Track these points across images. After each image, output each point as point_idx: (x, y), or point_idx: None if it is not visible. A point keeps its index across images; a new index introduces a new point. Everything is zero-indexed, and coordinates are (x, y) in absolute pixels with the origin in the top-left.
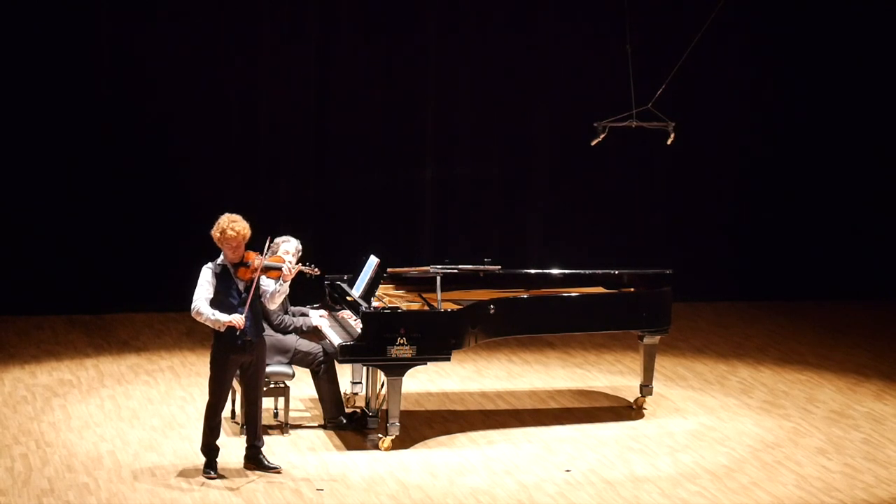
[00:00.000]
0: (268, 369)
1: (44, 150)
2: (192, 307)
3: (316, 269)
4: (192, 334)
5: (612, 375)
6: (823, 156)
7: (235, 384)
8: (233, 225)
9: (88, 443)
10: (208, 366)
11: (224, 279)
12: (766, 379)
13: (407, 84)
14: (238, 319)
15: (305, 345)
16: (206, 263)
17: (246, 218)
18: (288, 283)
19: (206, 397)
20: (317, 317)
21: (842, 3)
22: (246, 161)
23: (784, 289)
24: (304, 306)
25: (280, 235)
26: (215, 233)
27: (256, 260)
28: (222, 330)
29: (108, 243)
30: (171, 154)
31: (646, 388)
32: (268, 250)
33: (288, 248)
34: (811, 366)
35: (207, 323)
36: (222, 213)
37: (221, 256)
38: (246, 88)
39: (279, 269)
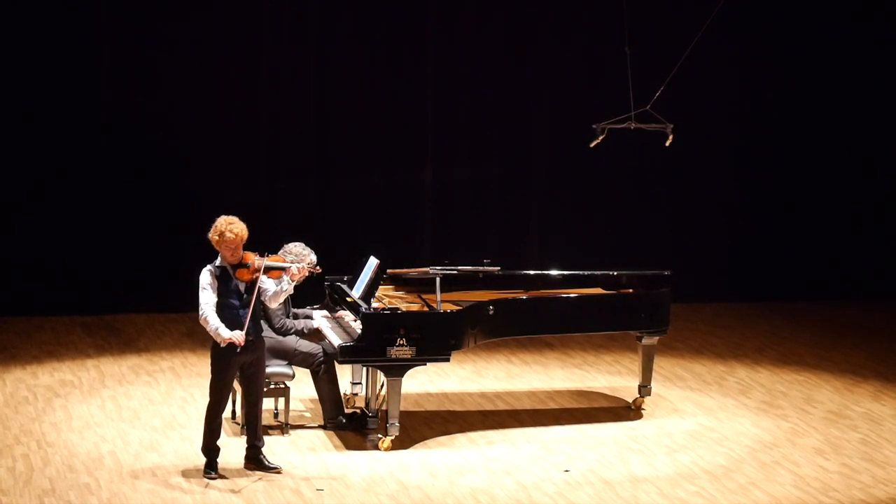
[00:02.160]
0: (268, 370)
1: (45, 151)
2: (200, 314)
3: (318, 268)
4: (192, 335)
5: (611, 376)
6: (821, 157)
7: (236, 384)
8: (230, 227)
9: (89, 443)
10: (209, 366)
11: (224, 281)
12: (764, 379)
13: (407, 85)
14: (238, 337)
15: (305, 346)
16: (206, 266)
17: (246, 219)
18: (294, 283)
19: (206, 398)
20: (320, 317)
21: (840, 4)
22: (246, 162)
23: (782, 290)
24: (306, 307)
25: (291, 242)
26: (213, 236)
27: (257, 260)
28: (223, 345)
29: (109, 244)
30: (172, 155)
31: (644, 389)
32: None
33: (309, 262)
34: (809, 366)
35: (210, 333)
36: (223, 214)
37: (219, 258)
38: (246, 89)
39: (282, 269)
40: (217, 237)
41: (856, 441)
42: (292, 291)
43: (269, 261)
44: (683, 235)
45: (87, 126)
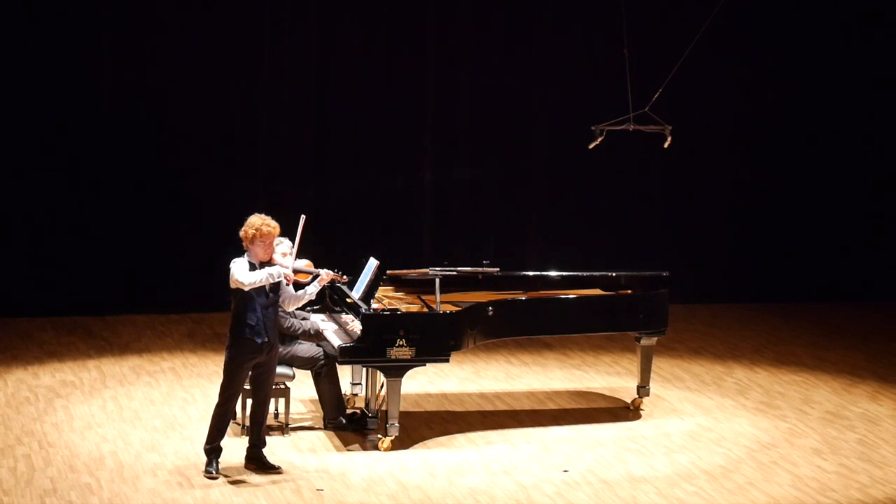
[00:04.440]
0: None
1: (46, 152)
2: (244, 282)
3: (344, 277)
4: (193, 336)
5: (610, 377)
6: (819, 158)
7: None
8: (268, 221)
9: (91, 443)
10: (210, 367)
11: None
12: (762, 380)
13: (406, 87)
14: (286, 272)
15: (307, 350)
16: (234, 259)
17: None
18: (320, 287)
19: (207, 398)
20: (319, 320)
21: (838, 5)
22: (247, 163)
23: (780, 291)
24: (304, 309)
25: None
26: (249, 231)
27: (284, 261)
28: (278, 278)
29: (110, 245)
30: (172, 156)
31: (643, 389)
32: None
33: (283, 250)
34: (807, 367)
35: (262, 282)
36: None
37: (246, 256)
38: (246, 90)
39: (308, 272)
40: (254, 232)
41: (853, 441)
42: (314, 297)
43: (296, 263)
44: (682, 236)
45: (88, 126)
